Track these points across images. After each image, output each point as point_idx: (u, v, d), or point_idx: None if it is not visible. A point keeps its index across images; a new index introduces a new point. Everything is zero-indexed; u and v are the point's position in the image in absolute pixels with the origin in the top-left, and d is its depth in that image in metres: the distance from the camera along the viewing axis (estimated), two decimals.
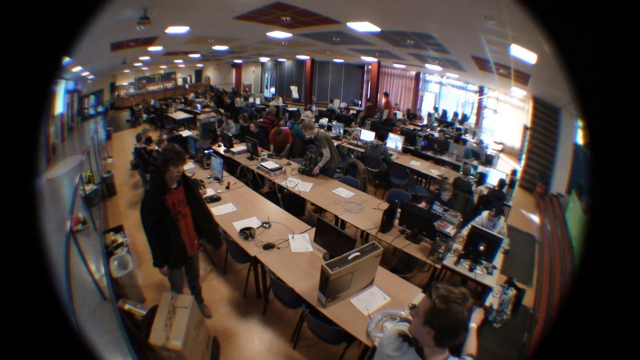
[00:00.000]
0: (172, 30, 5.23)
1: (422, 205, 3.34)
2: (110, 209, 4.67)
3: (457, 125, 8.02)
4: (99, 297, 2.36)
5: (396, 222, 3.00)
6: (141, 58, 8.64)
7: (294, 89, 11.53)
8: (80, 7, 0.62)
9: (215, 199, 3.40)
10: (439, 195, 3.37)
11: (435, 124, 8.38)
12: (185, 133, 5.99)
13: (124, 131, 9.13)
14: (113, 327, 2.16)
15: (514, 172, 5.47)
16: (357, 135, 6.46)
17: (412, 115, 9.52)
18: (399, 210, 2.95)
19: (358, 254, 1.96)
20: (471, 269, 2.52)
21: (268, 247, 2.60)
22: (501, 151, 6.93)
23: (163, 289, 2.67)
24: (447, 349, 1.11)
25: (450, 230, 2.60)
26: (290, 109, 9.10)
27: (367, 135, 6.21)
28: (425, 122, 8.95)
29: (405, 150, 6.03)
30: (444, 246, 2.54)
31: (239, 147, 4.96)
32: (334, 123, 7.22)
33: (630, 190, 0.57)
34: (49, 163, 4.51)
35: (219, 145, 5.29)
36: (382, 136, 6.06)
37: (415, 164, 5.43)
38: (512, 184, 4.84)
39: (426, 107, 10.05)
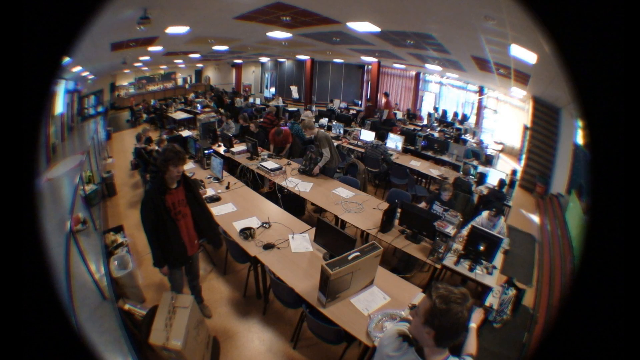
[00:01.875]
0: (172, 30, 5.23)
1: (422, 205, 3.34)
2: (110, 209, 4.67)
3: (457, 125, 8.03)
4: (99, 297, 2.36)
5: (396, 222, 3.00)
6: (141, 58, 8.64)
7: (294, 89, 11.53)
8: (80, 7, 0.62)
9: (215, 199, 3.40)
10: (439, 195, 3.37)
11: (435, 124, 8.38)
12: (185, 133, 5.99)
13: (124, 131, 9.13)
14: (113, 327, 2.16)
15: (514, 172, 5.48)
16: (357, 135, 6.46)
17: (412, 115, 9.52)
18: (399, 210, 2.94)
19: (358, 254, 1.96)
20: (471, 269, 2.52)
21: (268, 247, 2.60)
22: (501, 151, 6.93)
23: (163, 289, 2.67)
24: (447, 349, 1.11)
25: (450, 230, 2.60)
26: (290, 109, 9.10)
27: (367, 135, 6.21)
28: (425, 122, 8.95)
29: (405, 150, 6.03)
30: (444, 246, 2.54)
31: (239, 147, 4.96)
32: (334, 123, 7.22)
33: (630, 190, 0.57)
34: (49, 163, 4.52)
35: (219, 145, 5.29)
36: (382, 136, 6.06)
37: (415, 164, 5.42)
38: (512, 184, 4.84)
39: (426, 107, 10.05)
